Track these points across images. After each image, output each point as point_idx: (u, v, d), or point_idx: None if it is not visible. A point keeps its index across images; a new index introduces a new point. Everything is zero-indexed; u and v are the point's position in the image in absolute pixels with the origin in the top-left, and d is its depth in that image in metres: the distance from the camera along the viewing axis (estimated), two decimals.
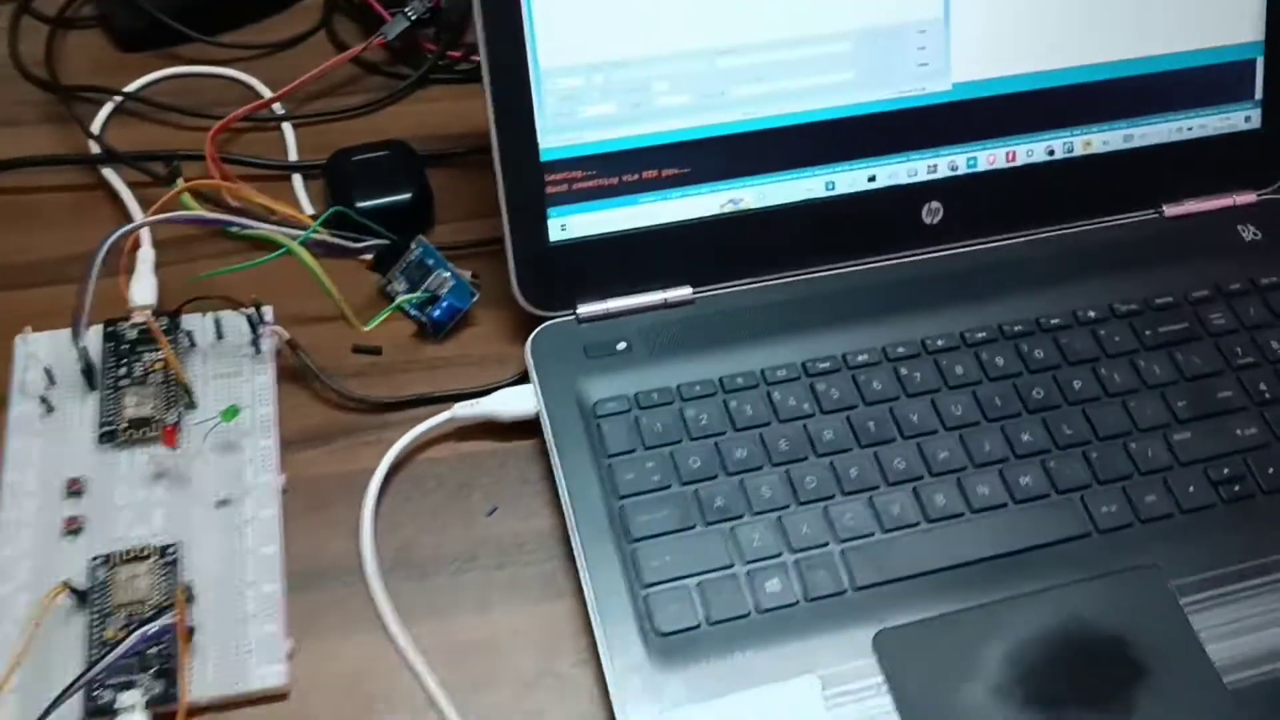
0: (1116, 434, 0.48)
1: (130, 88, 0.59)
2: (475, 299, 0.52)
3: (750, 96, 0.50)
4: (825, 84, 0.51)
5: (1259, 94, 0.56)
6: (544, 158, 0.49)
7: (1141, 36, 0.54)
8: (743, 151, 0.51)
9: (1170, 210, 0.56)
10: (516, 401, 0.49)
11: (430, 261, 0.52)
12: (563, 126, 0.49)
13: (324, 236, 0.51)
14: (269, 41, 0.61)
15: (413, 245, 0.52)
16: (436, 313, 0.51)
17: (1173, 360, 0.51)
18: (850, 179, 0.53)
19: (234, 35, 0.62)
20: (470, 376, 0.51)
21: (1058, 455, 0.47)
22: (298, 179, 0.56)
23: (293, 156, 0.58)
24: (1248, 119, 0.57)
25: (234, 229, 0.51)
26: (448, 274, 0.52)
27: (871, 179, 0.53)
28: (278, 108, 0.59)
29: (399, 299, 0.51)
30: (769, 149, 0.51)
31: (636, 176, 0.50)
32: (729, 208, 0.52)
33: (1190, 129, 0.56)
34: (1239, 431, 0.49)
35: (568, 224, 0.50)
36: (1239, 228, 0.57)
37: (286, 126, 0.58)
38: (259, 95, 0.60)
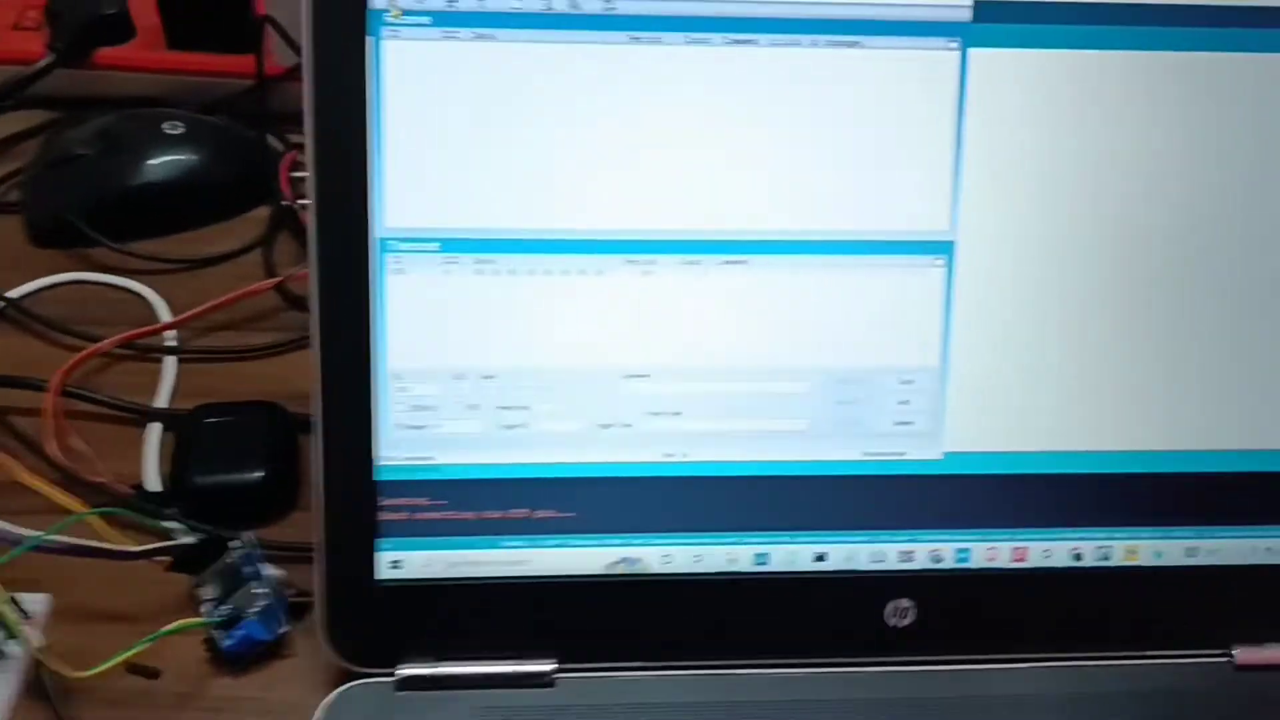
0: None
1: (21, 290, 0.53)
2: (284, 630, 0.41)
3: (664, 434, 0.39)
4: (770, 430, 0.39)
5: None
6: (379, 476, 0.38)
7: (1227, 424, 0.40)
8: (647, 500, 0.39)
9: (1243, 656, 0.41)
10: None
11: (248, 570, 0.42)
12: (409, 442, 0.38)
13: (100, 528, 0.41)
14: (187, 256, 0.54)
15: (233, 544, 0.42)
16: (228, 641, 0.40)
17: None
18: (790, 554, 0.40)
19: (166, 241, 0.55)
20: None
21: None
22: (155, 428, 0.48)
23: (162, 399, 0.49)
24: None
25: None
26: (263, 591, 0.41)
27: (820, 558, 0.40)
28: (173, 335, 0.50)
29: (204, 614, 0.41)
30: (683, 502, 0.39)
31: (501, 514, 0.39)
32: (620, 568, 0.40)
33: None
34: None
35: (401, 561, 0.39)
36: None
37: (169, 361, 0.49)
38: (160, 315, 0.52)
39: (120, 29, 0.57)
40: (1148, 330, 0.39)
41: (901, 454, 0.40)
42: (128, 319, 0.52)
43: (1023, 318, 0.39)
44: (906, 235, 0.38)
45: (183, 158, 0.54)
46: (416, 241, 0.37)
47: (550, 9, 0.36)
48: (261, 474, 0.45)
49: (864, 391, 0.39)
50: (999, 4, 0.37)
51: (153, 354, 0.50)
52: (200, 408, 0.46)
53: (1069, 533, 0.41)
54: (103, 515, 0.40)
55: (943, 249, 0.38)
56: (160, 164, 0.54)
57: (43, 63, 0.55)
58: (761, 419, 0.39)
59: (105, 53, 0.57)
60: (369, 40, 0.36)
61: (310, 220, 0.36)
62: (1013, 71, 0.37)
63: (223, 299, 0.50)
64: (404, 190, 0.37)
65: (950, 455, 0.40)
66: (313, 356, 0.37)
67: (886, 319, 0.39)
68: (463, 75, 0.36)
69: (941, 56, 0.37)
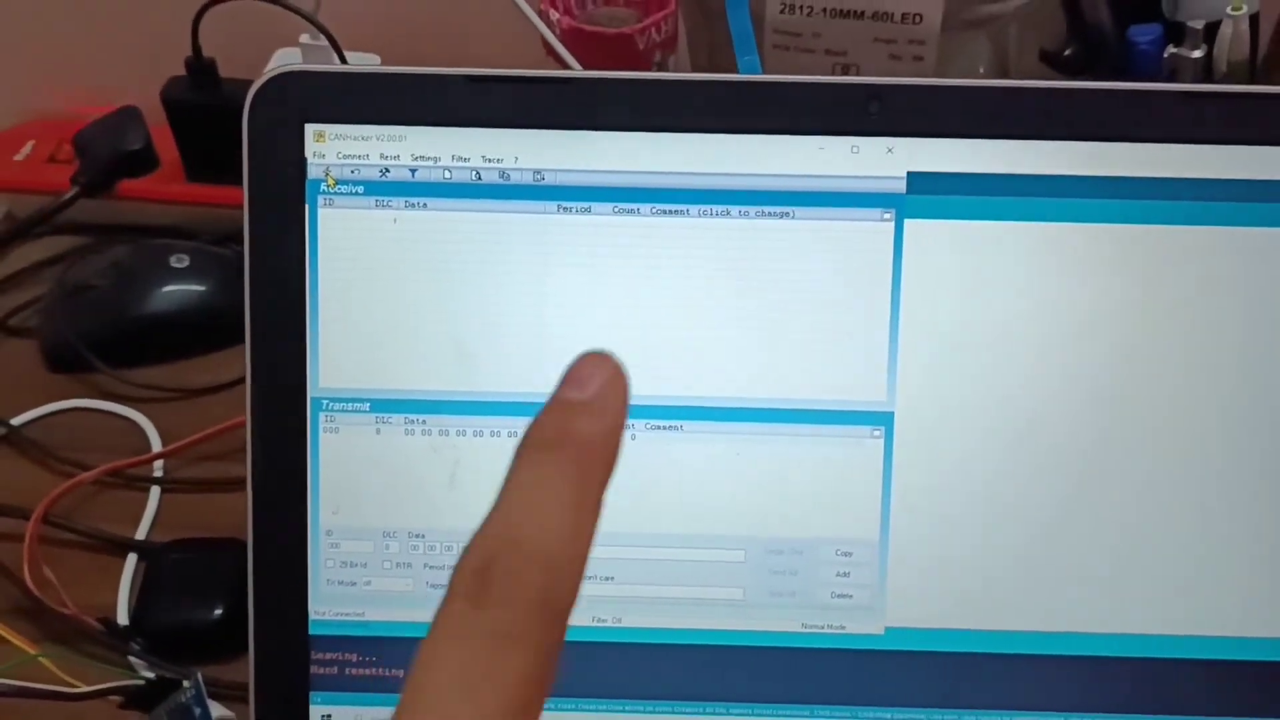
0: None
1: (25, 416, 0.55)
2: None
3: (596, 598, 0.38)
4: (704, 598, 0.38)
5: None
6: (312, 630, 0.39)
7: (1166, 604, 0.38)
8: (579, 666, 0.38)
9: None
10: None
11: (198, 710, 0.42)
12: (340, 597, 0.38)
13: (52, 667, 0.41)
14: (184, 385, 0.55)
15: (186, 683, 0.43)
16: None
17: None
18: None
19: (168, 368, 0.57)
20: None
21: None
22: (131, 560, 0.49)
23: (142, 532, 0.50)
24: None
25: None
26: None
27: None
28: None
29: None
30: (615, 668, 0.38)
31: None
32: None
33: None
34: None
35: (333, 715, 0.39)
36: None
37: (153, 492, 0.51)
38: (152, 442, 0.53)
39: (144, 162, 0.59)
40: (1093, 507, 0.37)
41: (841, 627, 0.38)
42: (122, 445, 0.53)
43: (965, 490, 0.38)
44: (843, 405, 0.37)
45: (186, 289, 0.56)
46: (348, 402, 0.38)
47: (480, 179, 0.37)
48: (220, 611, 0.45)
49: (801, 562, 0.38)
50: (933, 175, 0.36)
51: (138, 484, 0.52)
52: (170, 543, 0.48)
53: (1017, 716, 0.38)
54: (51, 657, 0.41)
55: (880, 419, 0.38)
56: (164, 295, 0.56)
57: (67, 195, 0.58)
58: (695, 586, 0.38)
59: (128, 184, 0.60)
60: (305, 207, 0.37)
61: (246, 378, 0.37)
62: (948, 242, 0.37)
63: (206, 432, 0.51)
64: (337, 352, 0.37)
65: (892, 630, 0.38)
66: (248, 512, 0.38)
67: (824, 489, 0.38)
68: (395, 242, 0.37)
69: (876, 227, 0.37)
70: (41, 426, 0.55)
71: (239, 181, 0.62)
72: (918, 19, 0.54)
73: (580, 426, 0.22)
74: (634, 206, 0.37)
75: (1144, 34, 0.55)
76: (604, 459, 0.22)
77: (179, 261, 0.56)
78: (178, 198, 0.62)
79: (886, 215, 0.37)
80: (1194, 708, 0.38)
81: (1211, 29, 0.53)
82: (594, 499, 0.22)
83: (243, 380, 0.55)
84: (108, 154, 0.59)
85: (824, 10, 0.55)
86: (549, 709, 0.38)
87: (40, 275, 0.61)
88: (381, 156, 0.37)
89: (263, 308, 0.37)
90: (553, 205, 0.37)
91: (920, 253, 0.37)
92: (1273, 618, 0.38)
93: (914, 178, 0.37)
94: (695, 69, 0.60)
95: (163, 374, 0.56)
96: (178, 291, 0.56)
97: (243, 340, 0.57)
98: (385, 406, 0.38)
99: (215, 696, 0.44)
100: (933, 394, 0.37)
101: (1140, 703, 0.38)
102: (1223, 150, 0.36)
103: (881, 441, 0.38)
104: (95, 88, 0.66)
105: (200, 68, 0.62)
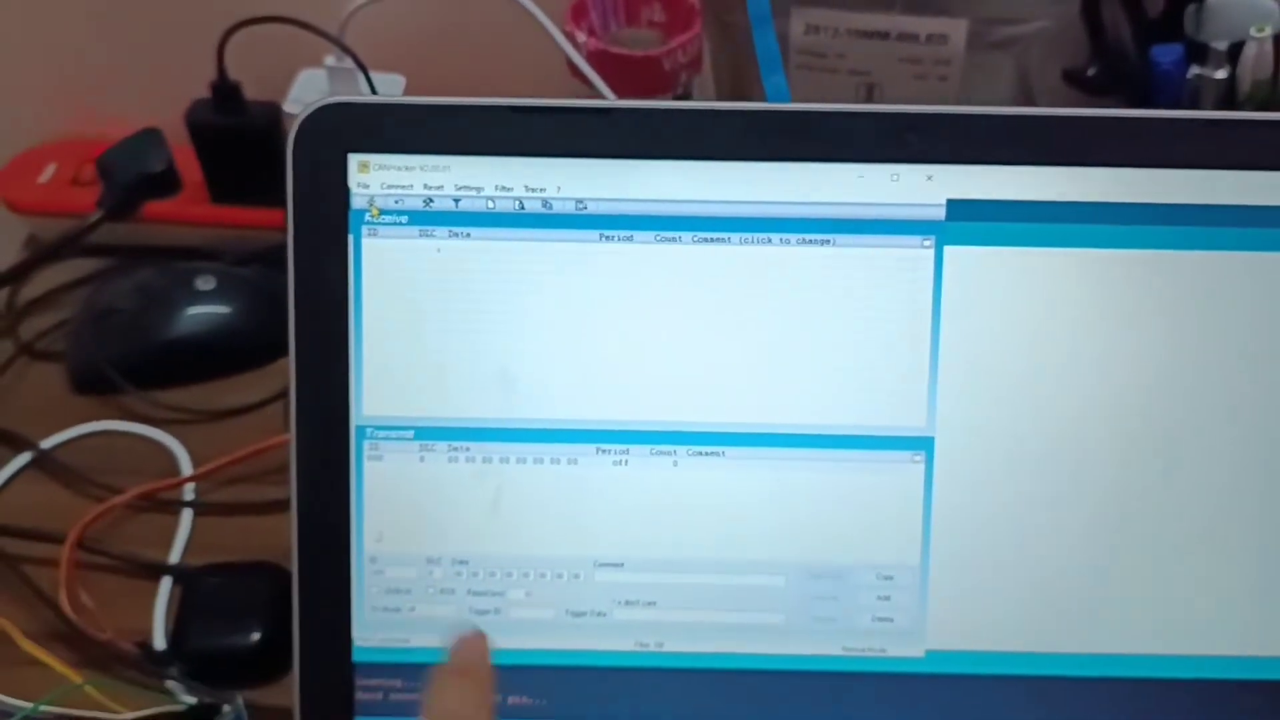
0: None
1: (54, 439, 0.55)
2: None
3: (638, 623, 0.38)
4: (745, 624, 0.38)
5: None
6: (357, 658, 0.39)
7: (1211, 626, 0.38)
8: (620, 690, 0.38)
9: None
10: None
11: None
12: (384, 624, 0.38)
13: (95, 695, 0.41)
14: (212, 406, 0.55)
15: (226, 708, 0.43)
16: None
17: None
18: None
19: (195, 390, 0.57)
20: None
21: None
22: (165, 584, 0.49)
23: (175, 555, 0.50)
24: None
25: None
26: None
27: None
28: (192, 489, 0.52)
29: None
30: (657, 692, 0.39)
31: None
32: None
33: None
34: None
35: None
36: None
37: (185, 515, 0.51)
38: (181, 465, 0.53)
39: (167, 184, 0.60)
40: (1133, 529, 0.38)
41: (882, 651, 0.39)
42: (153, 468, 0.53)
43: (1005, 514, 0.38)
44: (884, 431, 0.38)
45: (212, 311, 0.56)
46: (392, 429, 0.38)
47: (523, 209, 0.37)
48: (258, 636, 0.45)
49: (842, 587, 0.38)
50: (973, 202, 0.37)
51: (170, 507, 0.52)
52: (205, 567, 0.48)
53: None
54: (95, 685, 0.41)
55: (922, 444, 0.38)
56: (190, 317, 0.56)
57: (92, 218, 0.58)
58: (736, 611, 0.38)
59: (152, 206, 0.60)
60: (349, 238, 0.37)
61: (290, 406, 0.38)
62: (988, 268, 0.37)
63: (238, 454, 0.51)
64: (381, 380, 0.38)
65: (932, 653, 0.39)
66: (292, 538, 0.38)
67: (864, 514, 0.38)
68: (438, 271, 0.37)
69: (916, 254, 0.37)
70: (70, 450, 0.55)
71: (264, 203, 0.63)
72: (943, 40, 0.55)
73: None
74: (676, 235, 0.37)
75: (1167, 54, 0.55)
76: None
77: (205, 284, 0.56)
78: (202, 219, 0.62)
79: (926, 242, 0.37)
80: None
81: (1235, 49, 0.54)
82: None
83: (272, 401, 0.57)
84: (130, 176, 0.59)
85: (849, 31, 0.55)
86: None
87: (65, 298, 0.61)
88: (425, 186, 0.37)
89: (307, 336, 0.37)
90: (594, 234, 0.37)
91: (960, 279, 0.37)
92: None
93: (953, 205, 0.37)
94: (719, 90, 0.60)
95: (190, 396, 0.56)
96: (204, 314, 0.56)
97: (270, 361, 0.58)
98: (429, 434, 0.38)
99: None
100: (973, 420, 0.38)
101: None
102: (1260, 176, 0.37)
103: (922, 467, 0.38)
104: (118, 110, 0.66)
105: (225, 90, 0.62)
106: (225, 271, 0.58)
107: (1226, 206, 0.37)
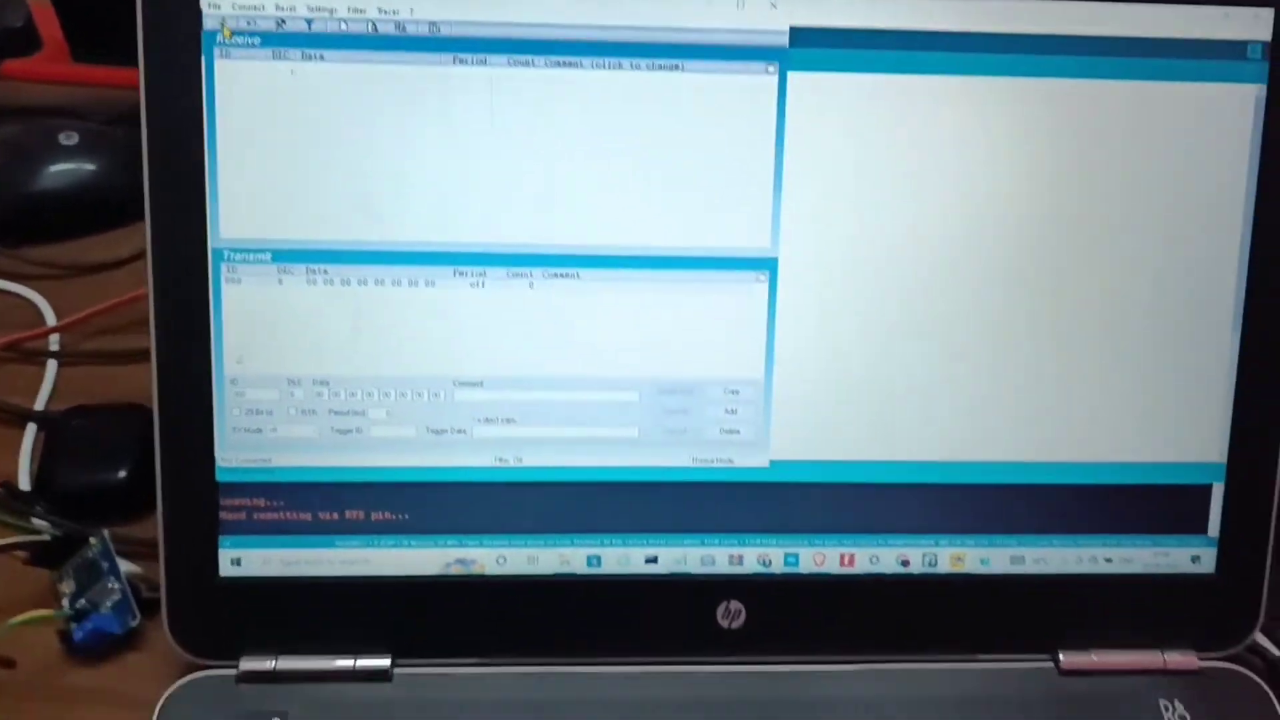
0: None
1: None
2: (135, 624, 0.42)
3: (497, 440, 0.40)
4: (600, 438, 0.40)
5: (1214, 530, 0.43)
6: (220, 478, 0.40)
7: (1046, 437, 0.41)
8: (482, 504, 0.40)
9: (1068, 660, 0.42)
10: None
11: (105, 565, 0.43)
12: (246, 444, 0.40)
13: None
14: (77, 262, 0.55)
15: (92, 540, 0.44)
16: (79, 634, 0.42)
17: None
18: (622, 557, 0.41)
19: (61, 247, 0.56)
20: (107, 719, 0.41)
21: None
22: (30, 429, 0.49)
23: (40, 402, 0.50)
24: (1195, 559, 0.43)
25: None
26: (116, 586, 0.43)
27: (651, 560, 0.41)
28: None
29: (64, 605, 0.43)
30: (517, 506, 0.40)
31: (336, 516, 0.40)
32: (455, 569, 0.41)
33: (1109, 560, 0.43)
34: None
35: (242, 559, 0.40)
36: (1161, 702, 0.42)
37: (50, 365, 0.51)
38: (46, 319, 0.53)
39: (26, 41, 0.58)
40: (967, 344, 0.40)
41: (729, 461, 0.41)
42: (18, 322, 0.53)
43: (845, 331, 0.40)
44: (730, 252, 0.40)
45: (76, 167, 0.56)
46: (250, 252, 0.38)
47: (376, 31, 0.37)
48: (124, 473, 0.46)
49: (692, 401, 0.41)
50: (816, 30, 0.38)
51: (36, 357, 0.52)
52: (70, 410, 0.48)
53: (896, 539, 0.42)
54: None
55: (765, 265, 0.40)
56: (54, 173, 0.55)
57: None
58: (592, 426, 0.40)
59: (12, 65, 0.59)
60: (201, 60, 0.37)
61: (147, 230, 0.38)
62: (830, 94, 0.39)
63: (104, 305, 0.51)
64: (237, 203, 0.38)
65: (776, 463, 0.41)
66: (152, 361, 0.39)
67: (712, 333, 0.40)
68: (293, 93, 0.38)
69: (761, 80, 0.39)
70: None
71: (126, 62, 0.61)
72: None
73: None
74: (529, 59, 0.38)
75: None
76: None
77: (68, 139, 0.55)
78: (63, 78, 0.61)
79: (770, 68, 0.39)
80: (1056, 527, 0.42)
81: None
82: None
83: (139, 257, 0.56)
84: None
85: None
86: (453, 546, 0.40)
87: None
88: (277, 8, 0.37)
89: (161, 159, 0.38)
90: (448, 57, 0.38)
91: (804, 104, 0.39)
92: (1132, 447, 0.42)
93: (797, 32, 0.38)
94: None
95: (57, 252, 0.56)
96: (68, 169, 0.56)
97: (138, 219, 0.57)
98: (287, 256, 0.39)
99: (125, 555, 0.45)
100: (815, 241, 0.40)
101: (1007, 524, 0.41)
102: (1092, 5, 0.39)
103: (766, 286, 0.40)
104: None
105: None
106: (89, 128, 0.57)
107: (1064, 37, 0.39)
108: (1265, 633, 0.44)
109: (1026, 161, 0.40)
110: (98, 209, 0.56)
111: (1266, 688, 0.42)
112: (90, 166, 0.56)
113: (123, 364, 0.52)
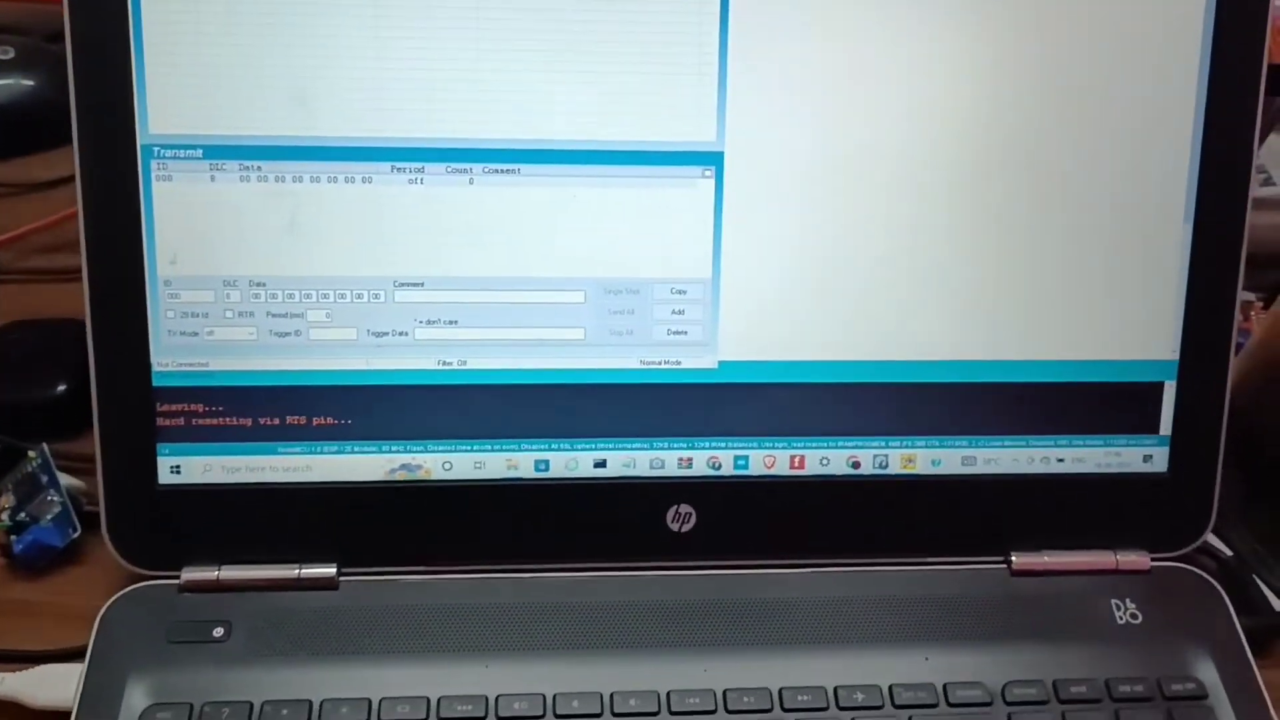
0: None
1: None
2: (75, 536, 0.42)
3: (442, 342, 0.40)
4: (546, 339, 0.40)
5: (1165, 429, 0.43)
6: (156, 383, 0.39)
7: (997, 335, 0.41)
8: (426, 408, 0.40)
9: (1020, 561, 0.42)
10: (52, 686, 0.38)
11: (45, 478, 0.42)
12: (183, 348, 0.39)
13: None
14: (17, 180, 0.54)
15: (31, 453, 0.43)
16: (19, 546, 0.41)
17: None
18: (569, 461, 0.41)
19: (7, 165, 0.55)
20: (48, 632, 0.40)
21: None
22: None
23: None
24: (1147, 458, 0.43)
25: None
26: (56, 499, 0.42)
27: (600, 464, 0.41)
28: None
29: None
30: (462, 409, 0.40)
31: (277, 421, 0.39)
32: (400, 475, 0.40)
33: (1061, 460, 0.43)
34: None
35: (181, 466, 0.39)
36: (1113, 602, 0.42)
37: None
38: None
39: None
40: (916, 243, 0.40)
41: (677, 363, 0.40)
42: None
43: (793, 229, 0.40)
44: (674, 146, 0.39)
45: (13, 83, 0.54)
46: (180, 148, 0.37)
47: None
48: (63, 387, 0.45)
49: (639, 302, 0.40)
50: None
51: None
52: (8, 325, 0.47)
53: (846, 441, 0.41)
54: None
55: (711, 160, 0.39)
56: None
57: None
58: (537, 328, 0.40)
59: None
60: None
61: (73, 128, 0.37)
62: None
63: (41, 222, 0.50)
64: (166, 97, 0.37)
65: (725, 364, 0.40)
66: (83, 262, 0.38)
67: (657, 230, 0.39)
68: None
69: None
70: None
71: None
72: None
73: None
74: None
75: None
76: None
77: (4, 54, 0.54)
78: None
79: None
80: (1007, 427, 0.41)
81: None
82: None
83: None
84: None
85: None
86: (398, 451, 0.40)
87: None
88: None
89: (85, 51, 0.36)
90: None
91: None
92: (1084, 344, 0.41)
93: None
94: None
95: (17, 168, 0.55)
96: (4, 85, 0.54)
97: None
98: (219, 153, 0.38)
99: (65, 469, 0.44)
100: (762, 135, 0.39)
101: (959, 424, 0.41)
102: None
103: (712, 182, 0.39)
104: None
105: None
106: (26, 43, 0.55)
107: None
108: (1217, 533, 0.44)
109: (979, 57, 0.39)
110: (36, 126, 0.54)
111: (1218, 587, 0.42)
112: (28, 83, 0.55)
113: (63, 281, 0.51)
